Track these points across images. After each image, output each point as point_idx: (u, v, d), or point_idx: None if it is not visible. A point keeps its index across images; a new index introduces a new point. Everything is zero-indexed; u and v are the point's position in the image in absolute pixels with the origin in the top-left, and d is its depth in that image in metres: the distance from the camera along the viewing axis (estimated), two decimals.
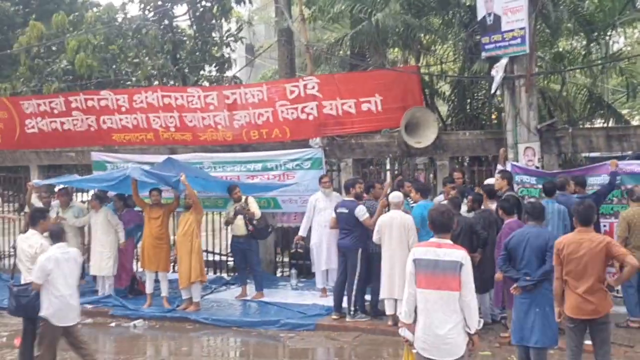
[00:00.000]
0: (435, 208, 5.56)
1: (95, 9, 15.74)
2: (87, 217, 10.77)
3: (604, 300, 6.05)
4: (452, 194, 9.39)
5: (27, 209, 10.68)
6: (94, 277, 10.94)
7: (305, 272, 11.47)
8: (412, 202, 9.65)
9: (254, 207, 10.30)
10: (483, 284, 8.36)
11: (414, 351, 5.29)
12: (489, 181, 9.71)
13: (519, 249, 6.72)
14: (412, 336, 5.21)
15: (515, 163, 9.84)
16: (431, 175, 11.85)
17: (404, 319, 5.25)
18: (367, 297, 9.51)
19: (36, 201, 10.71)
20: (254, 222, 10.28)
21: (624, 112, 15.85)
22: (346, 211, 9.10)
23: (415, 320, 5.19)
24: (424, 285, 5.06)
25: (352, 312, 9.49)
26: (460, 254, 5.08)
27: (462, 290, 5.00)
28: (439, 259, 5.05)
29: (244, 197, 10.42)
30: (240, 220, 10.24)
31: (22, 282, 7.01)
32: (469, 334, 5.05)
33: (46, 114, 12.64)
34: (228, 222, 10.51)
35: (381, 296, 8.73)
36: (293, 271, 11.64)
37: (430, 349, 5.08)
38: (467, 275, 5.03)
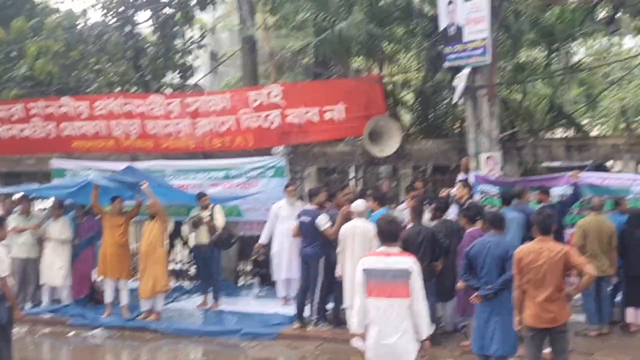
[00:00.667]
0: (382, 217, 5.75)
1: (55, 15, 15.57)
2: (43, 226, 10.64)
3: (562, 309, 6.13)
4: (411, 203, 9.37)
5: None
6: (41, 286, 10.86)
7: (267, 281, 11.35)
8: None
9: (219, 217, 10.35)
10: (446, 293, 8.63)
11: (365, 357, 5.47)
12: (452, 191, 9.67)
13: (480, 258, 6.78)
14: (364, 344, 5.38)
15: (477, 172, 9.95)
16: (393, 183, 11.84)
17: (355, 329, 5.40)
18: (329, 305, 9.46)
19: None
20: (217, 230, 10.26)
21: (584, 122, 16.11)
22: (308, 219, 9.13)
23: (365, 330, 5.31)
24: (375, 294, 5.17)
25: (314, 321, 9.51)
26: (408, 261, 5.21)
27: (412, 297, 5.12)
28: (388, 268, 5.17)
29: (211, 205, 10.47)
30: (203, 229, 10.28)
31: None
32: (420, 340, 5.19)
33: (4, 120, 12.55)
34: (194, 226, 10.56)
35: (343, 305, 8.69)
36: (255, 280, 11.78)
37: (381, 357, 5.19)
38: (416, 282, 5.13)
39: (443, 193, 9.91)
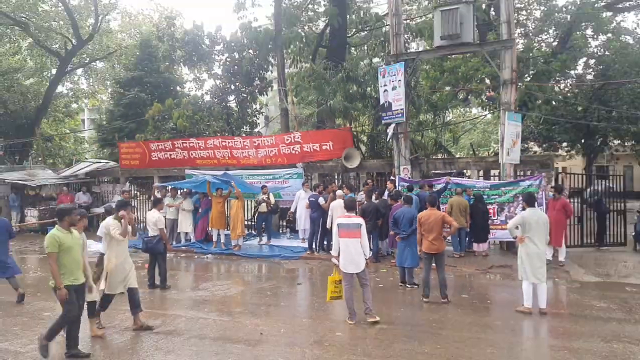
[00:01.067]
0: (347, 199, 8.22)
1: (187, 97, 21.61)
2: (181, 202, 14.88)
3: (442, 244, 8.57)
4: (365, 191, 13.07)
5: (152, 198, 14.04)
6: (179, 233, 15.05)
7: (293, 230, 15.64)
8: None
9: (272, 198, 14.79)
10: (383, 235, 12.35)
11: (340, 269, 7.61)
12: (389, 185, 13.32)
13: (400, 218, 9.52)
14: (338, 261, 7.55)
15: (400, 176, 13.89)
16: (357, 181, 15.84)
17: (334, 253, 7.65)
18: (325, 242, 13.08)
19: (156, 194, 14.68)
20: (271, 205, 14.70)
21: (452, 150, 20.04)
22: (314, 199, 13.19)
23: (339, 254, 7.50)
24: (344, 236, 7.42)
25: (317, 250, 13.13)
26: (360, 220, 7.52)
27: (362, 237, 7.35)
28: (350, 223, 7.44)
29: (268, 192, 14.65)
30: (263, 204, 14.67)
31: (149, 235, 10.11)
32: (366, 258, 7.43)
33: (162, 150, 18.17)
34: (259, 203, 14.79)
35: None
36: (287, 229, 16.46)
37: (348, 266, 7.42)
38: (364, 229, 7.37)
39: (390, 185, 13.19)
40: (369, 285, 7.78)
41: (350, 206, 7.79)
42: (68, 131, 34.76)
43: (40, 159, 25.80)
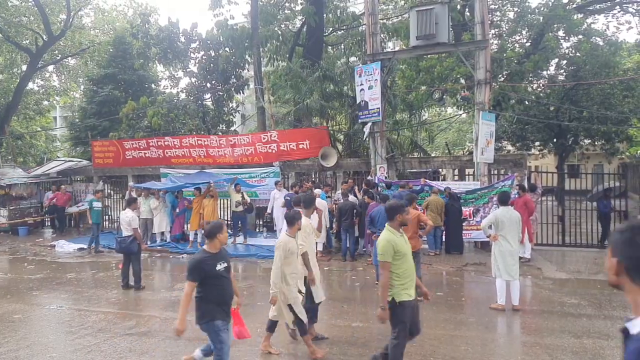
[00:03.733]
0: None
1: (162, 95, 21.64)
2: (154, 203, 14.96)
3: (418, 242, 8.74)
4: (343, 190, 13.38)
5: (126, 197, 14.01)
6: (154, 233, 15.12)
7: (271, 229, 15.79)
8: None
9: (247, 197, 14.86)
10: (361, 234, 12.59)
11: None
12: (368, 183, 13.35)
13: (377, 217, 9.57)
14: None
15: (378, 175, 14.07)
16: (334, 180, 15.97)
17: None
18: None
19: (130, 194, 15.21)
20: (247, 204, 14.84)
21: (428, 149, 20.46)
22: (289, 198, 12.74)
23: None
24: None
25: None
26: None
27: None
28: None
29: (242, 190, 14.68)
30: (239, 203, 14.71)
31: (123, 235, 10.22)
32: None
33: (136, 149, 18.17)
34: (237, 205, 14.63)
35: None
36: (264, 229, 16.74)
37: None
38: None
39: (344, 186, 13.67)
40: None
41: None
42: (39, 129, 34.31)
43: (10, 157, 25.37)
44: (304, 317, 6.10)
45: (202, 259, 4.98)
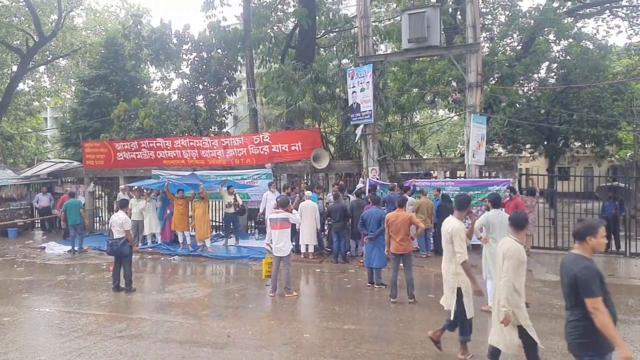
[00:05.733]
0: (280, 198, 9.21)
1: (154, 96, 21.51)
2: (142, 204, 14.60)
3: (409, 245, 8.77)
4: (334, 192, 13.06)
5: (118, 199, 14.11)
6: (145, 235, 14.81)
7: (263, 230, 14.81)
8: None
9: (239, 199, 14.75)
10: (354, 236, 12.59)
11: (271, 254, 9.16)
12: (359, 185, 13.75)
13: (369, 219, 9.64)
14: (271, 248, 9.16)
15: (370, 177, 13.96)
16: (326, 182, 16.13)
17: (267, 241, 9.22)
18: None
19: (122, 195, 14.88)
20: (239, 206, 14.74)
21: (419, 151, 20.50)
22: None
23: (271, 242, 9.04)
24: (274, 228, 8.97)
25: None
26: (286, 214, 8.92)
27: (290, 228, 8.91)
28: (278, 217, 9.01)
29: (235, 192, 14.58)
30: (231, 204, 14.65)
31: (114, 237, 10.06)
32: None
33: (128, 150, 17.95)
34: (228, 206, 14.59)
35: (300, 242, 12.49)
36: (256, 230, 16.47)
37: (276, 252, 8.98)
38: (290, 218, 8.93)
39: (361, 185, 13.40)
40: (289, 269, 9.29)
41: (282, 204, 9.11)
42: (30, 130, 34.01)
43: (0, 158, 25.07)
44: (537, 339, 5.18)
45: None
